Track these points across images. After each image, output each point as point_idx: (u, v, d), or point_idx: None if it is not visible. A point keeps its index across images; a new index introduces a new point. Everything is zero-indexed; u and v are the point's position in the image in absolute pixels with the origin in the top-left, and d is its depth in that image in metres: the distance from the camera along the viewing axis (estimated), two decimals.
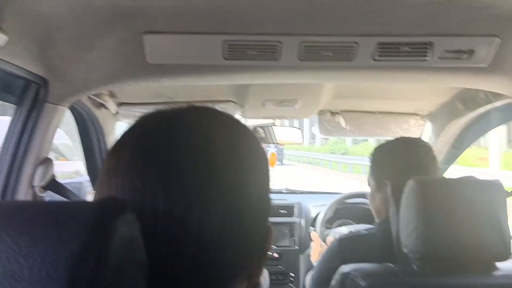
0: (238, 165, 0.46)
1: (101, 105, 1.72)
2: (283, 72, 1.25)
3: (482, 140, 12.99)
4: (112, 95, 1.72)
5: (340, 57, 1.16)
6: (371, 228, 1.51)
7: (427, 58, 1.16)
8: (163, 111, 0.49)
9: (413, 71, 1.23)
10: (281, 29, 1.10)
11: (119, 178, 0.44)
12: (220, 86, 1.87)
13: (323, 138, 23.77)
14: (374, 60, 1.17)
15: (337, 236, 1.81)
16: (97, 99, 1.63)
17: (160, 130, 0.47)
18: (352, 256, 1.38)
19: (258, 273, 0.50)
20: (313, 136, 24.90)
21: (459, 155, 2.17)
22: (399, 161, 1.51)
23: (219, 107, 2.00)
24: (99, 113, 1.77)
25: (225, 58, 1.17)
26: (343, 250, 1.43)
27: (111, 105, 1.75)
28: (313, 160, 23.91)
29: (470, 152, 13.28)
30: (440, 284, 1.25)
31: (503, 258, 1.23)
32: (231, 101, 2.01)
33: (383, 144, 1.60)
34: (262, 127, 2.46)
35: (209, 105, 1.75)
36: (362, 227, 2.01)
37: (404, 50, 1.14)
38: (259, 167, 0.49)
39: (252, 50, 1.14)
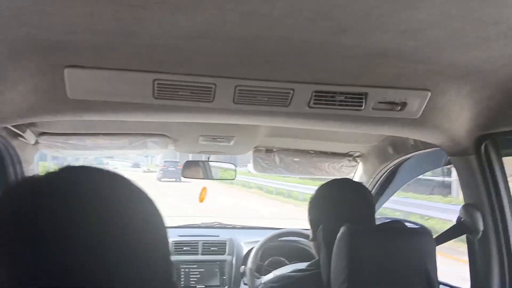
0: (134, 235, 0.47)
1: (19, 135, 1.58)
2: (217, 113, 1.20)
3: None
4: (31, 125, 1.59)
5: (275, 102, 1.13)
6: (300, 270, 1.46)
7: (361, 108, 1.16)
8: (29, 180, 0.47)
9: (347, 120, 1.23)
10: (216, 71, 1.06)
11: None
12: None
13: None
14: (309, 107, 1.15)
15: None
16: (14, 129, 1.49)
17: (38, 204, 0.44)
18: None
19: None
20: None
21: (389, 197, 2.21)
22: (328, 205, 1.49)
23: (150, 140, 1.93)
24: (17, 143, 1.62)
25: (155, 98, 1.10)
26: None
27: (29, 135, 1.62)
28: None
29: None
30: None
31: None
32: (163, 135, 1.93)
33: (316, 189, 1.55)
34: (197, 161, 2.38)
35: (140, 138, 1.63)
36: (292, 268, 1.96)
37: (339, 99, 1.13)
38: (156, 231, 0.50)
39: (184, 90, 1.09)
